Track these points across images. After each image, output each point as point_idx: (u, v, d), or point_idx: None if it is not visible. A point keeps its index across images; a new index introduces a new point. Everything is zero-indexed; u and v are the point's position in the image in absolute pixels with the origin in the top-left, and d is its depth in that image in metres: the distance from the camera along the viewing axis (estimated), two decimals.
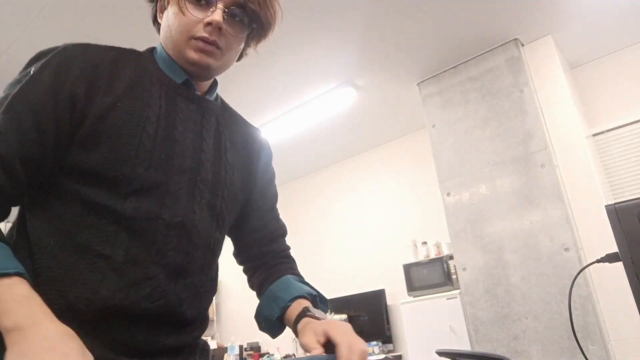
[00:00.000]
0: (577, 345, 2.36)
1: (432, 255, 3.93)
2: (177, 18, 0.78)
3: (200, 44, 0.77)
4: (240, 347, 4.84)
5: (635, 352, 2.62)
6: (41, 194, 0.73)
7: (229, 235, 0.97)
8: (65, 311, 0.65)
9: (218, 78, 0.91)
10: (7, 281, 0.60)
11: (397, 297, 4.14)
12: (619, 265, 1.25)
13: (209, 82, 0.88)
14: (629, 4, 3.01)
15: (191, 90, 0.83)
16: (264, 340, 5.13)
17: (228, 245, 0.97)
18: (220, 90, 0.94)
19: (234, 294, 5.34)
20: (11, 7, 2.46)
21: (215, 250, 0.84)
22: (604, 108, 3.49)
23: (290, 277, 0.92)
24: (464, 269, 3.17)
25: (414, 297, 3.77)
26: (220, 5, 0.77)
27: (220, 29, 0.77)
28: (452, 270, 3.59)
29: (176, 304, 0.74)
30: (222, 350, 4.87)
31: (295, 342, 4.42)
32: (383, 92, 3.79)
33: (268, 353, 4.99)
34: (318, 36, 3.01)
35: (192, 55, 0.78)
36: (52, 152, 0.70)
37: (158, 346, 0.74)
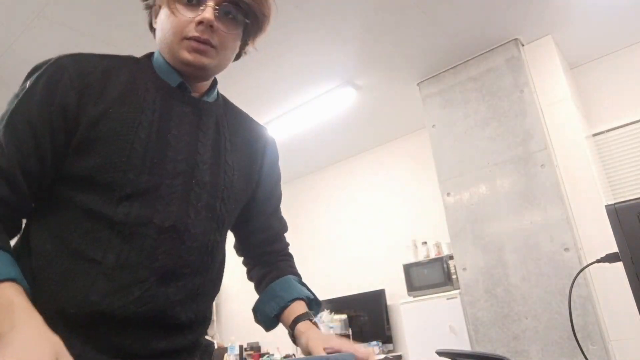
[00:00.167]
0: (577, 345, 2.36)
1: (432, 255, 3.93)
2: (168, 20, 0.78)
3: (194, 44, 0.77)
4: (240, 347, 4.84)
5: (635, 352, 2.62)
6: (41, 202, 0.75)
7: (232, 231, 0.98)
8: (57, 316, 0.66)
9: (219, 79, 0.91)
10: None
11: (397, 297, 4.14)
12: (619, 265, 1.25)
13: (207, 83, 0.87)
14: (629, 4, 3.01)
15: (187, 93, 0.83)
16: (264, 340, 5.13)
17: (228, 246, 0.98)
18: (221, 91, 0.94)
19: (234, 294, 5.34)
20: (11, 7, 2.46)
21: (214, 253, 0.83)
22: (604, 108, 3.49)
23: (291, 277, 0.96)
24: (464, 269, 3.17)
25: (414, 297, 3.77)
26: (210, 3, 0.77)
27: (212, 26, 0.77)
28: (452, 270, 3.59)
29: (167, 307, 0.74)
30: (222, 350, 4.86)
31: None
32: (383, 92, 3.79)
33: (268, 353, 4.99)
34: (318, 36, 3.01)
35: (186, 55, 0.78)
36: (51, 162, 0.72)
37: (150, 350, 0.74)
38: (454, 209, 3.28)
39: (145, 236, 0.73)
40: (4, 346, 0.55)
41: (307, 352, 0.80)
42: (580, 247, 2.79)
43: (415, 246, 4.13)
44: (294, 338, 0.88)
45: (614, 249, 1.22)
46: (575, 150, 2.98)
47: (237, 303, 5.39)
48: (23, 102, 0.72)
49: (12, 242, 0.73)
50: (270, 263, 0.98)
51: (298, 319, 0.87)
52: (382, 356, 4.00)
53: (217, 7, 0.77)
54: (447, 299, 3.47)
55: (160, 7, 0.80)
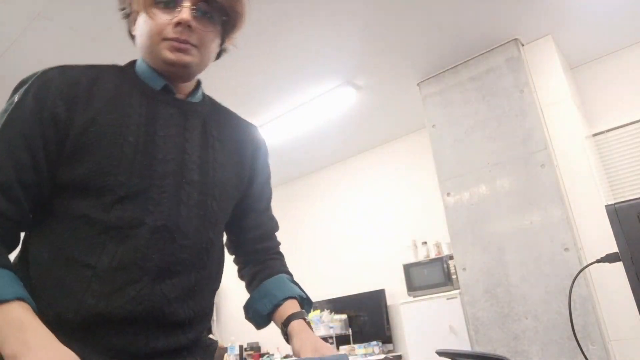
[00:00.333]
0: (577, 345, 2.36)
1: (432, 255, 3.93)
2: (147, 24, 0.80)
3: (174, 44, 0.79)
4: (240, 347, 4.84)
5: (635, 352, 2.62)
6: (38, 214, 0.76)
7: (224, 228, 0.98)
8: (55, 321, 0.67)
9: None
10: (5, 307, 0.63)
11: (397, 297, 4.14)
12: (619, 265, 1.25)
13: (191, 84, 0.89)
14: (629, 4, 3.01)
15: (171, 95, 0.85)
16: (264, 340, 5.13)
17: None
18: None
19: (234, 294, 5.32)
20: (11, 7, 2.46)
21: (209, 250, 0.84)
22: (604, 108, 3.49)
23: (284, 275, 0.97)
24: (464, 269, 3.17)
25: (414, 297, 3.77)
26: (186, 4, 0.79)
27: (190, 26, 0.79)
28: (452, 270, 3.59)
29: (164, 304, 0.75)
30: (222, 350, 4.87)
31: None
32: (383, 92, 3.79)
33: (268, 353, 4.99)
34: (318, 36, 3.01)
35: (168, 55, 0.80)
36: (46, 172, 0.74)
37: (150, 349, 0.75)
38: (454, 209, 3.28)
39: (138, 237, 0.74)
40: None
41: (297, 355, 0.82)
42: (580, 247, 2.79)
43: (415, 246, 4.13)
44: (287, 336, 0.89)
45: (614, 249, 1.22)
46: (575, 150, 2.98)
47: (237, 303, 5.35)
48: (14, 116, 0.73)
49: (12, 256, 0.74)
50: (262, 261, 0.99)
51: (291, 317, 0.88)
52: (382, 356, 4.00)
53: (193, 7, 0.79)
54: (447, 299, 3.47)
55: (138, 13, 0.82)
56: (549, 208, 2.89)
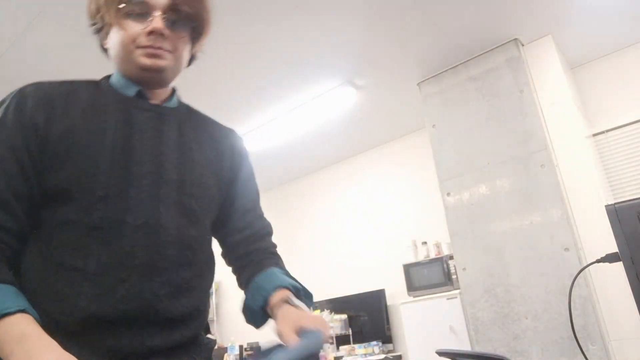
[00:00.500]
0: (577, 345, 2.36)
1: (432, 255, 3.93)
2: (119, 35, 0.83)
3: (150, 50, 0.83)
4: (240, 347, 4.84)
5: (635, 352, 2.62)
6: (30, 224, 0.79)
7: (215, 237, 0.98)
8: (52, 327, 0.69)
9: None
10: (8, 320, 0.65)
11: (397, 297, 4.14)
12: (619, 265, 1.25)
13: (166, 91, 0.92)
14: (629, 4, 3.01)
15: (145, 100, 0.88)
16: (264, 340, 5.12)
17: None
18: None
19: (234, 294, 5.34)
20: (11, 7, 2.46)
21: (194, 247, 0.85)
22: (604, 108, 3.49)
23: (275, 269, 0.94)
24: (464, 269, 3.17)
25: (414, 297, 3.77)
26: (157, 13, 0.83)
27: (162, 34, 0.83)
28: (452, 270, 3.59)
29: (155, 302, 0.76)
30: (222, 350, 4.87)
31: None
32: (383, 92, 3.79)
33: None
34: (318, 36, 3.01)
35: (144, 60, 0.83)
36: (34, 182, 0.77)
37: (146, 347, 0.75)
38: (454, 209, 3.28)
39: (122, 237, 0.76)
40: None
41: (279, 334, 0.79)
42: (580, 247, 2.79)
43: (415, 246, 4.13)
44: None
45: (614, 249, 1.22)
46: (575, 150, 2.97)
47: (237, 303, 5.36)
48: None
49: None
50: (255, 262, 0.96)
51: (278, 305, 0.85)
52: (382, 356, 4.00)
53: (164, 16, 0.83)
54: (447, 299, 3.47)
55: (110, 26, 0.85)
56: (549, 208, 2.89)
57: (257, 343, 5.11)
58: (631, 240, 1.12)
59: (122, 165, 0.79)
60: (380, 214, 4.71)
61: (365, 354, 4.10)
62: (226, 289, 5.55)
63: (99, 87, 0.87)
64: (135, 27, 0.82)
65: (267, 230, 1.03)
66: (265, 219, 1.04)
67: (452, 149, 3.37)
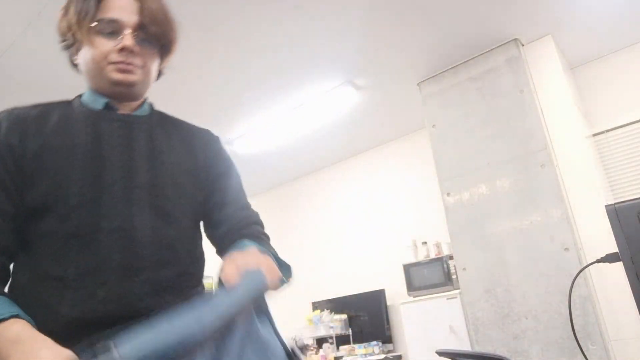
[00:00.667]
0: (577, 345, 2.36)
1: (432, 255, 3.92)
2: (91, 52, 0.88)
3: (121, 66, 0.87)
4: None
5: (635, 352, 2.62)
6: (18, 239, 0.83)
7: (206, 235, 1.00)
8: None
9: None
10: (2, 326, 0.69)
11: (397, 297, 4.14)
12: (619, 265, 1.26)
13: (136, 102, 0.95)
14: (629, 4, 3.01)
15: (113, 111, 0.91)
16: None
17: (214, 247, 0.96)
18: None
19: None
20: (11, 7, 2.46)
21: (175, 247, 0.86)
22: (604, 108, 3.49)
23: (245, 240, 0.92)
24: (464, 269, 3.17)
25: (414, 297, 3.77)
26: (127, 31, 0.87)
27: (132, 51, 0.87)
28: (452, 270, 3.59)
29: (136, 301, 0.78)
30: None
31: (294, 340, 4.42)
32: (383, 92, 3.79)
33: None
34: (318, 36, 3.01)
35: (116, 75, 0.88)
36: (18, 199, 0.81)
37: None
38: (454, 209, 3.28)
39: (98, 242, 0.79)
40: None
41: (222, 277, 0.75)
42: (580, 247, 2.79)
43: (415, 246, 4.13)
44: None
45: (614, 249, 1.23)
46: (575, 150, 2.98)
47: None
48: None
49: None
50: (232, 244, 0.92)
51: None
52: (382, 356, 4.00)
53: (134, 34, 0.88)
54: (447, 299, 3.47)
55: (81, 42, 0.89)
56: (549, 208, 2.89)
57: None
58: (631, 240, 1.13)
59: (93, 175, 0.83)
60: (380, 214, 4.71)
61: (365, 354, 4.10)
62: None
63: (70, 106, 0.92)
64: (106, 45, 0.87)
65: (252, 220, 1.00)
66: (250, 210, 1.01)
67: (452, 149, 3.37)
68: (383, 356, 3.99)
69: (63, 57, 0.96)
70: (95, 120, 0.89)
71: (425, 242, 4.08)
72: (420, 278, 3.80)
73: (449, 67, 3.48)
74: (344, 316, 4.48)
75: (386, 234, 4.60)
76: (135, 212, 0.83)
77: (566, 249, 2.79)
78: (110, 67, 0.87)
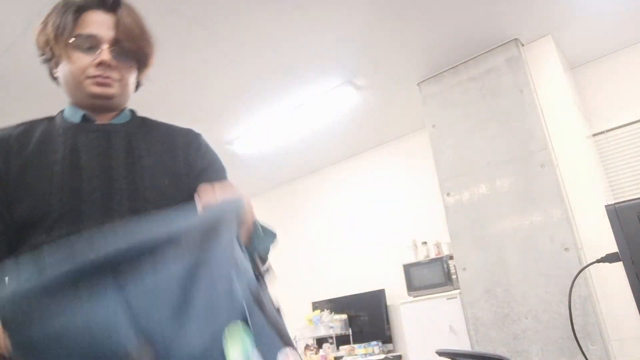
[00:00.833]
0: (577, 345, 2.36)
1: (432, 255, 3.93)
2: (69, 67, 0.91)
3: (99, 79, 0.91)
4: None
5: (635, 352, 2.62)
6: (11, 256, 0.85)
7: None
8: None
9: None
10: None
11: (397, 297, 4.14)
12: (619, 265, 1.26)
13: (115, 112, 0.98)
14: (629, 4, 3.01)
15: (91, 123, 0.94)
16: None
17: None
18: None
19: None
20: (11, 7, 2.46)
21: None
22: (604, 108, 3.49)
23: None
24: (464, 269, 3.17)
25: (414, 297, 3.77)
26: (105, 46, 0.90)
27: (110, 65, 0.91)
28: (452, 270, 3.59)
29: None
30: None
31: (297, 341, 4.42)
32: (383, 92, 3.79)
33: None
34: (318, 36, 3.01)
35: (94, 89, 0.91)
36: (7, 217, 0.84)
37: None
38: (454, 209, 3.28)
39: None
40: None
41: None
42: (580, 247, 2.79)
43: (415, 246, 4.13)
44: None
45: (614, 249, 1.23)
46: (575, 150, 2.98)
47: None
48: None
49: None
50: None
51: None
52: (382, 356, 4.00)
53: (111, 48, 0.91)
54: (447, 299, 3.47)
55: (60, 57, 0.92)
56: (549, 208, 2.89)
57: None
58: (631, 240, 1.12)
59: (72, 187, 0.85)
60: (380, 214, 4.71)
61: (365, 354, 4.10)
62: None
63: (53, 122, 0.94)
64: (84, 59, 0.90)
65: None
66: None
67: (452, 149, 3.37)
68: (383, 356, 3.99)
69: None
70: (73, 133, 0.91)
71: (425, 242, 4.08)
72: (420, 278, 3.80)
73: (449, 67, 3.48)
74: (344, 316, 4.48)
75: (386, 234, 4.60)
76: (116, 217, 0.85)
77: (566, 249, 2.79)
78: (89, 81, 0.90)
